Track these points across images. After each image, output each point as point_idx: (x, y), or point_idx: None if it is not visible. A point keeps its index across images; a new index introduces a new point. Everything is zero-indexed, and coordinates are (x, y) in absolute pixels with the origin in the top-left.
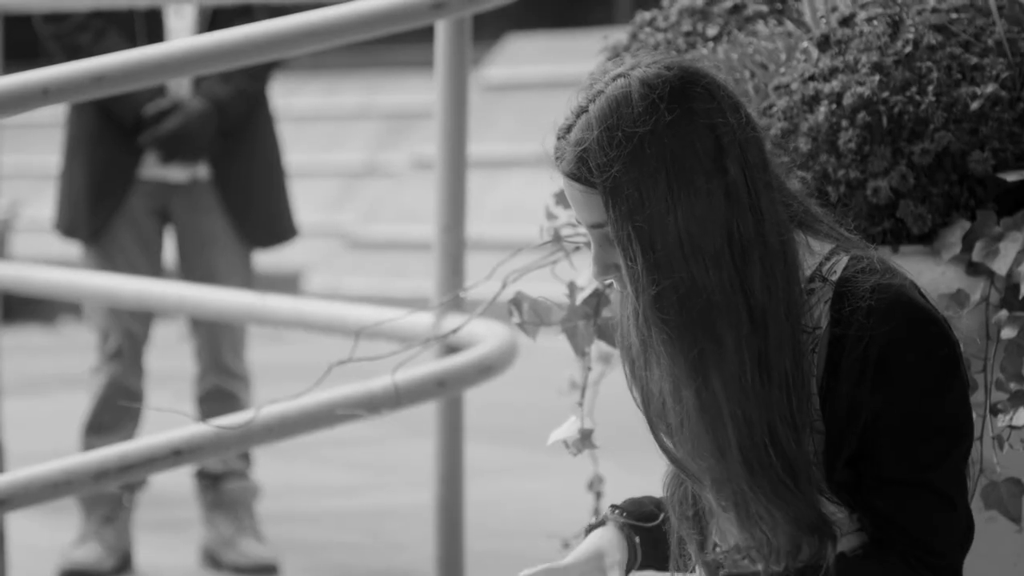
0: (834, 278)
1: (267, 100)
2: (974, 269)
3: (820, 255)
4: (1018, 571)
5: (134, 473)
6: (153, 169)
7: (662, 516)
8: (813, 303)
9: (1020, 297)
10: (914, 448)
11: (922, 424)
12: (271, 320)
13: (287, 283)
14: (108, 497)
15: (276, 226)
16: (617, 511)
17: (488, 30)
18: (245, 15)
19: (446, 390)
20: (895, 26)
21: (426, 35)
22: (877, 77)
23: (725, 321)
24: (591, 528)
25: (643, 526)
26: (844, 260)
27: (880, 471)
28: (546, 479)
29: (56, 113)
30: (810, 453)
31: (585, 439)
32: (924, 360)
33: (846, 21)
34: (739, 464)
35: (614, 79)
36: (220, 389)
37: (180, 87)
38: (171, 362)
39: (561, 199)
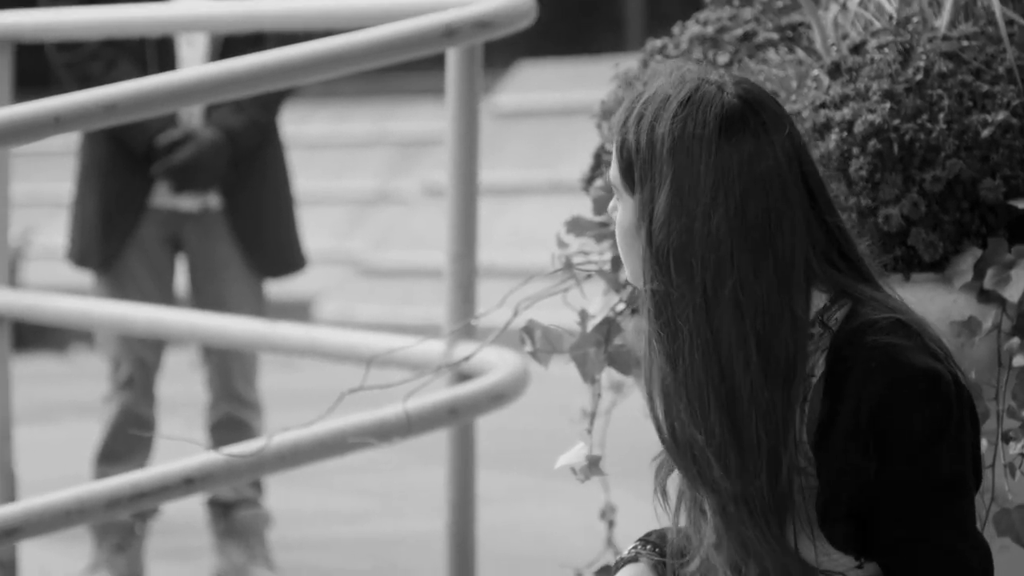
0: (835, 327)
1: (278, 128)
2: (986, 297)
3: (824, 299)
4: None
5: (146, 501)
6: (165, 198)
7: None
8: (811, 349)
9: None
10: (914, 508)
11: (919, 484)
12: (283, 348)
13: (298, 310)
14: (120, 525)
15: (285, 256)
16: (648, 547)
17: (499, 57)
18: (257, 43)
19: (458, 418)
20: (906, 54)
21: (437, 62)
22: (888, 104)
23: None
24: (623, 562)
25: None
26: (847, 308)
27: (884, 530)
28: (558, 506)
29: (68, 141)
30: (794, 497)
31: (593, 466)
32: (913, 420)
33: (857, 49)
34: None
35: (705, 84)
36: (232, 417)
37: (192, 117)
38: (182, 389)
39: (572, 227)
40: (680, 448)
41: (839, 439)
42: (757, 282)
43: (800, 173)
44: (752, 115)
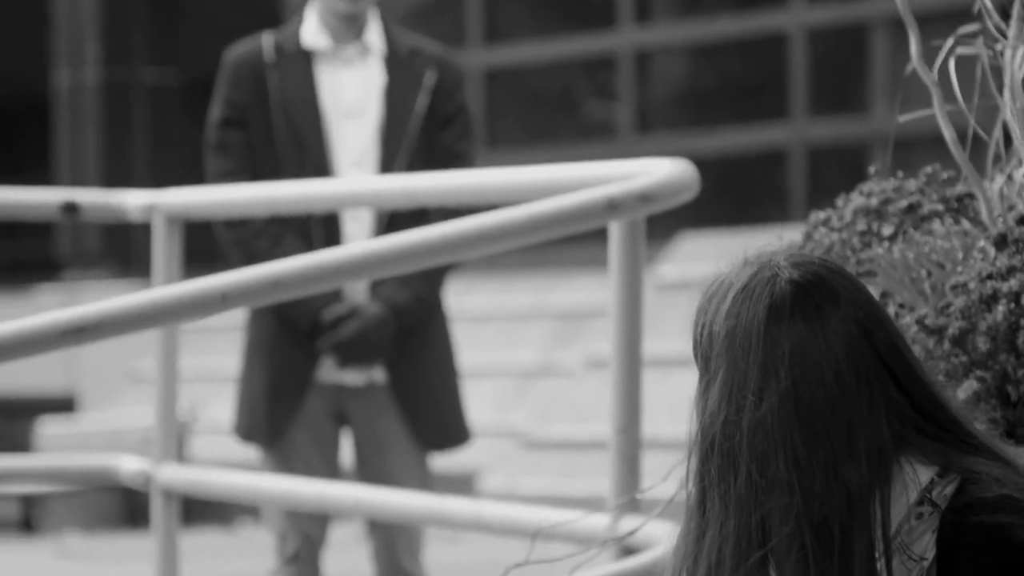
0: (943, 504)
1: (442, 301)
2: None
3: (931, 473)
4: None
5: None
6: (331, 373)
7: None
8: (921, 531)
9: None
10: None
11: None
12: (448, 522)
13: (462, 483)
14: None
15: (450, 430)
16: None
17: (661, 228)
18: (421, 218)
19: None
20: None
21: (598, 234)
22: None
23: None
24: None
25: None
26: (955, 484)
27: None
28: None
29: (236, 316)
30: None
31: None
32: None
33: (1023, 220)
34: None
35: (763, 271)
36: None
37: (357, 292)
38: (349, 563)
39: None
40: None
41: None
42: (812, 465)
43: (872, 352)
44: (804, 299)
